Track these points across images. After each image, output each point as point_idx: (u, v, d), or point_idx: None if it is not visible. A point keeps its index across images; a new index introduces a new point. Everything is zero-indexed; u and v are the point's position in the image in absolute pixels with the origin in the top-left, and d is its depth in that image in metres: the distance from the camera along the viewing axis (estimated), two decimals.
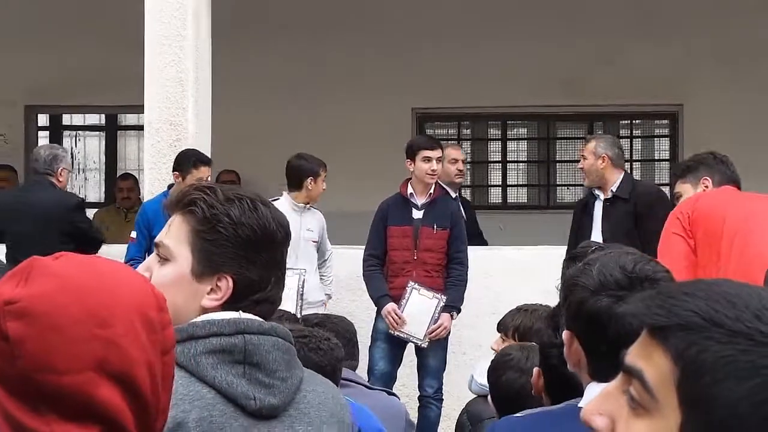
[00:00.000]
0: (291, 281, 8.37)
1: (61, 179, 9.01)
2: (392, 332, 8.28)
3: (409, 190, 8.48)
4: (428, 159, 8.39)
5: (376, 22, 12.76)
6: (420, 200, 8.46)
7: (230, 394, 2.26)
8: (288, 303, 8.33)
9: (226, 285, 2.33)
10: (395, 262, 8.39)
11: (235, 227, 2.32)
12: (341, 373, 4.09)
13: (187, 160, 8.32)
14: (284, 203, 8.56)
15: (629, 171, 8.96)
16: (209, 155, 8.55)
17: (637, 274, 2.52)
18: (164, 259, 2.37)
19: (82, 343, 1.59)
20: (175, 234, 2.37)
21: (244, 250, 2.34)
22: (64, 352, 1.58)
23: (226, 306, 2.35)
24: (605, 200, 8.60)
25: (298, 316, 8.23)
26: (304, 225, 8.54)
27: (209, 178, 8.46)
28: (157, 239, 2.42)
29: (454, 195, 9.49)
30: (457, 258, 8.43)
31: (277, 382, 2.32)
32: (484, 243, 10.33)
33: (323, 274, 8.82)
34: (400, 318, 8.23)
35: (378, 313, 8.41)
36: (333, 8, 12.77)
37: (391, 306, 8.24)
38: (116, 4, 11.64)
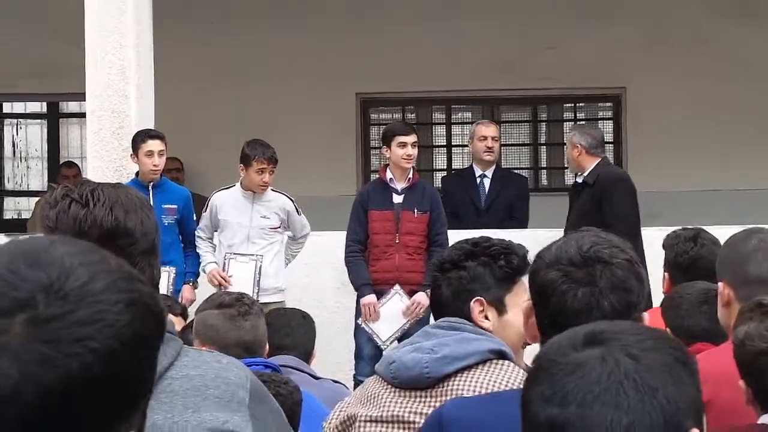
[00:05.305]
0: (247, 267, 8.33)
1: None
2: (359, 322, 8.41)
3: (389, 175, 8.59)
4: (403, 144, 8.52)
5: (319, 7, 12.71)
6: (399, 185, 8.58)
7: None
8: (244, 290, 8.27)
9: None
10: (378, 245, 8.52)
11: (51, 230, 2.37)
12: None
13: (136, 138, 8.37)
14: (235, 191, 8.50)
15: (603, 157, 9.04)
16: None
17: (591, 255, 2.50)
18: None
19: None
20: None
21: None
22: None
23: None
24: (577, 186, 8.88)
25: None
26: (257, 212, 8.48)
27: (163, 152, 8.37)
28: None
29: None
30: (437, 240, 8.55)
31: None
32: None
33: (287, 255, 8.73)
34: (375, 312, 8.33)
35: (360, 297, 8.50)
36: None
37: (372, 298, 8.36)
38: None
